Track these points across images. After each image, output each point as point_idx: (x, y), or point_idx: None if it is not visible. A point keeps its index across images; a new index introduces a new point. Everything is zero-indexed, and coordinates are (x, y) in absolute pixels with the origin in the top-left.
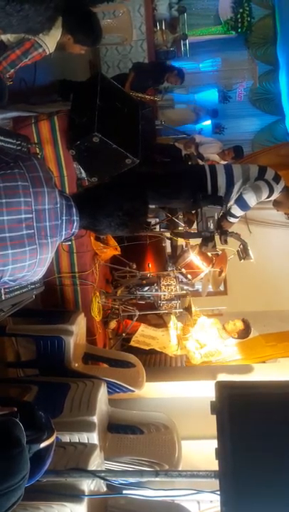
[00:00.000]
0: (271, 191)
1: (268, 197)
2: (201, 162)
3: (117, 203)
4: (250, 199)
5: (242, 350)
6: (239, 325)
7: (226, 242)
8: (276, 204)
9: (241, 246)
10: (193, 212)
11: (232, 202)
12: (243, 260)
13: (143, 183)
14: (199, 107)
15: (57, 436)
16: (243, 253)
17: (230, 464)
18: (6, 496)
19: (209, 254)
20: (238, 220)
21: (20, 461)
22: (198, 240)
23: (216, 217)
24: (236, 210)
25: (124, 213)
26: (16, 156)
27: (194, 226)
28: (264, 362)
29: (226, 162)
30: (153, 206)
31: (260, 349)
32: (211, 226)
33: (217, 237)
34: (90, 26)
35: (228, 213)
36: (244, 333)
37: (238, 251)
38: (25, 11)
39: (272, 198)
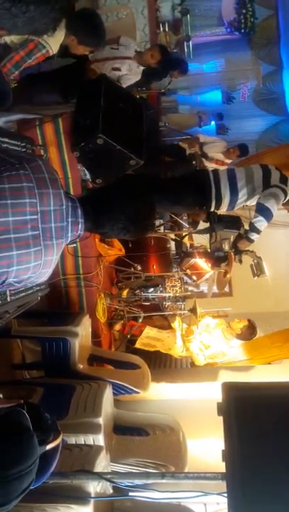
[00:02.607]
0: (285, 195)
1: (282, 201)
2: (205, 161)
3: (119, 207)
4: (273, 206)
5: (247, 352)
6: (244, 322)
7: (240, 261)
8: (287, 204)
9: (255, 261)
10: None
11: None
12: (256, 277)
13: (147, 187)
14: (203, 111)
15: (63, 438)
16: (258, 270)
17: (237, 465)
18: (19, 479)
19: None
20: (259, 236)
21: (31, 447)
22: (203, 241)
23: (231, 239)
24: (261, 224)
25: (126, 218)
26: (21, 157)
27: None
28: (269, 363)
29: (230, 161)
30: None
31: (265, 350)
32: (226, 247)
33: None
34: (94, 27)
35: (251, 229)
36: (248, 333)
37: (251, 266)
38: (30, 12)
39: (285, 200)
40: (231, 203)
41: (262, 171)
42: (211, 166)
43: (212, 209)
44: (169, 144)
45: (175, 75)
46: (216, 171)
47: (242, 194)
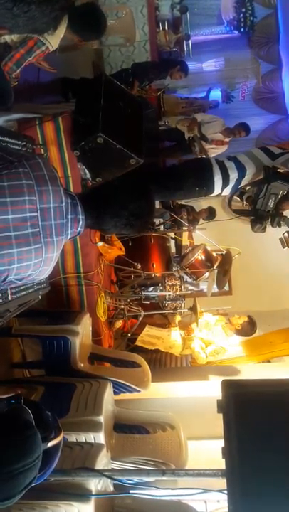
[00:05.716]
0: None
1: None
2: (205, 144)
3: (122, 203)
4: None
5: (247, 349)
6: (244, 318)
7: (279, 225)
8: None
9: (286, 234)
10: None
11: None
12: (286, 248)
13: (147, 180)
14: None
15: (64, 436)
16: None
17: (237, 462)
18: (22, 474)
19: (214, 254)
20: None
21: (34, 442)
22: (203, 240)
23: (279, 196)
24: None
25: (129, 213)
26: (20, 155)
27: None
28: (269, 361)
29: (229, 139)
30: (157, 203)
31: (265, 347)
32: (272, 204)
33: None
34: (95, 22)
35: None
36: (248, 329)
37: (281, 239)
38: (31, 11)
39: None
40: (239, 178)
41: (259, 148)
42: (211, 147)
43: (218, 190)
44: (167, 129)
45: (175, 75)
46: (214, 157)
47: (250, 169)
